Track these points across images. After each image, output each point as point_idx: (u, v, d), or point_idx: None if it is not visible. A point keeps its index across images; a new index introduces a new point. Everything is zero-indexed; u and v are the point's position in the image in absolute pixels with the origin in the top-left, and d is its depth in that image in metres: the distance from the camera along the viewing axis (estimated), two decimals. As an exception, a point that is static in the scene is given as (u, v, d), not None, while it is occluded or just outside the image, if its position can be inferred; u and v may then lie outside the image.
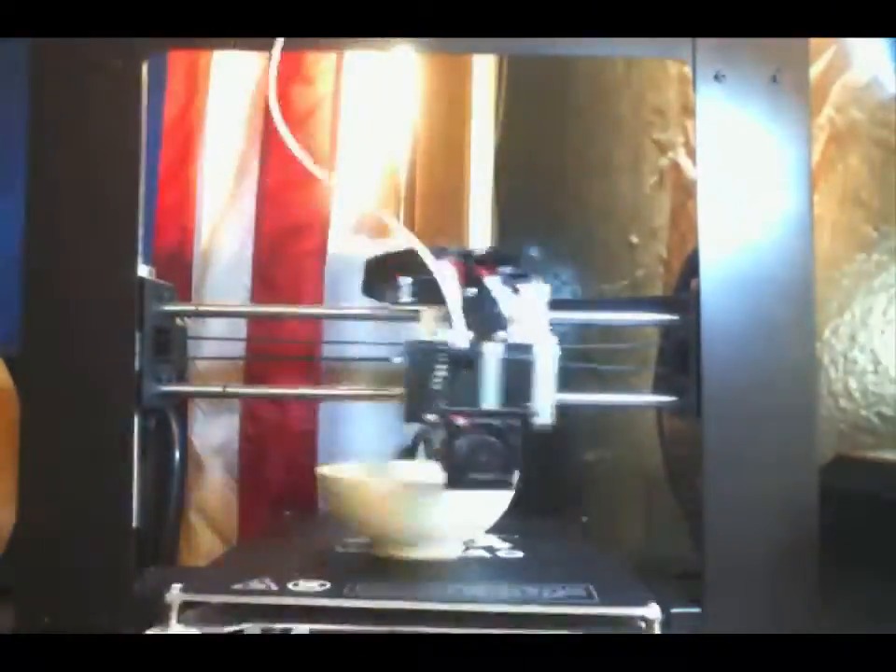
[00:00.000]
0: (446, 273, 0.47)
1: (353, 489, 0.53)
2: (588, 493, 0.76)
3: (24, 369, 0.51)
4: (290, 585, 0.45)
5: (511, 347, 0.47)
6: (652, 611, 0.43)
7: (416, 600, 0.44)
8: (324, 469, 0.56)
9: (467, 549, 0.55)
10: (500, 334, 0.47)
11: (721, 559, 0.49)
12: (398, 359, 0.48)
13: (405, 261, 0.49)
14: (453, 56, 0.76)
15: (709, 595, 0.49)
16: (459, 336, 0.47)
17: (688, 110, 0.70)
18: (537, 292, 0.49)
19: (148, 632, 0.43)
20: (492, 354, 0.47)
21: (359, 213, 0.77)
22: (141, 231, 0.52)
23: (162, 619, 0.43)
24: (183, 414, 0.74)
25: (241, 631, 0.43)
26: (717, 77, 0.51)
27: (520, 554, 0.55)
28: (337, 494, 0.54)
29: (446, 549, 0.54)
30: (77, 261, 0.50)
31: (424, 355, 0.47)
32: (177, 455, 0.64)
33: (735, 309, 0.50)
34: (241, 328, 0.73)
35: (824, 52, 0.67)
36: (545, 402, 0.47)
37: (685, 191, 0.71)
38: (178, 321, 0.61)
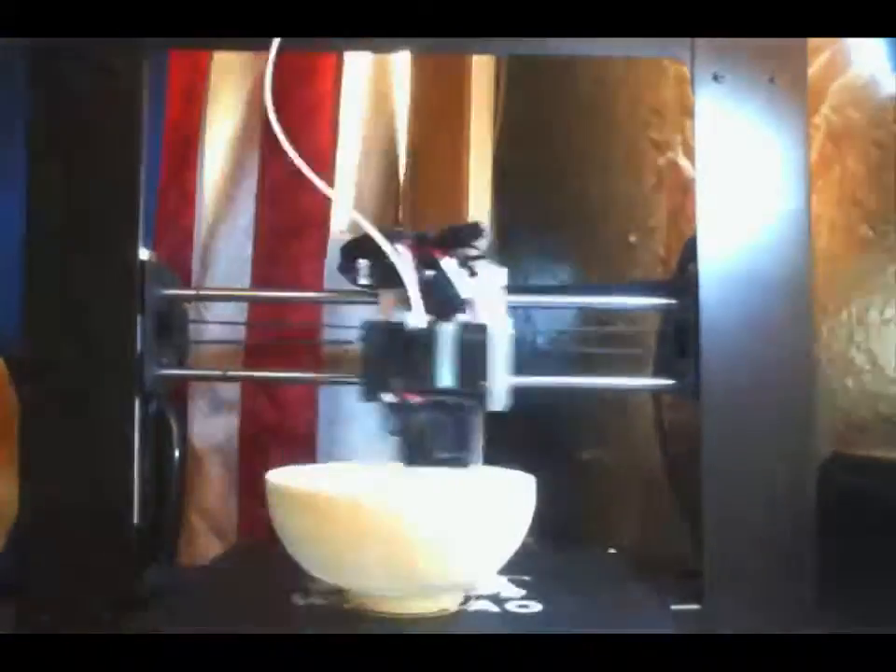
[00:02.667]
0: (402, 256, 0.47)
1: (305, 506, 0.41)
2: (586, 491, 0.76)
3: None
4: None
5: (466, 327, 0.47)
6: None
7: None
8: (274, 477, 0.44)
9: (467, 600, 0.45)
10: (458, 315, 0.47)
11: (720, 556, 0.49)
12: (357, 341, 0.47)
13: (368, 244, 0.49)
14: (452, 56, 0.76)
15: (709, 593, 0.49)
16: (416, 317, 0.47)
17: (686, 110, 0.70)
18: (494, 274, 0.49)
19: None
20: (447, 334, 0.46)
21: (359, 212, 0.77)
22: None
23: None
24: (183, 414, 0.74)
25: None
26: (715, 78, 0.51)
27: (537, 607, 0.45)
28: (284, 514, 0.42)
29: (441, 600, 0.43)
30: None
31: (380, 335, 0.47)
32: (177, 453, 0.64)
33: (733, 308, 0.51)
34: (241, 319, 0.73)
35: (822, 53, 0.67)
36: (500, 383, 0.47)
37: (683, 191, 0.71)
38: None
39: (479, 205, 0.76)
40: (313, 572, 0.44)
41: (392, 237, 0.48)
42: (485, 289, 0.48)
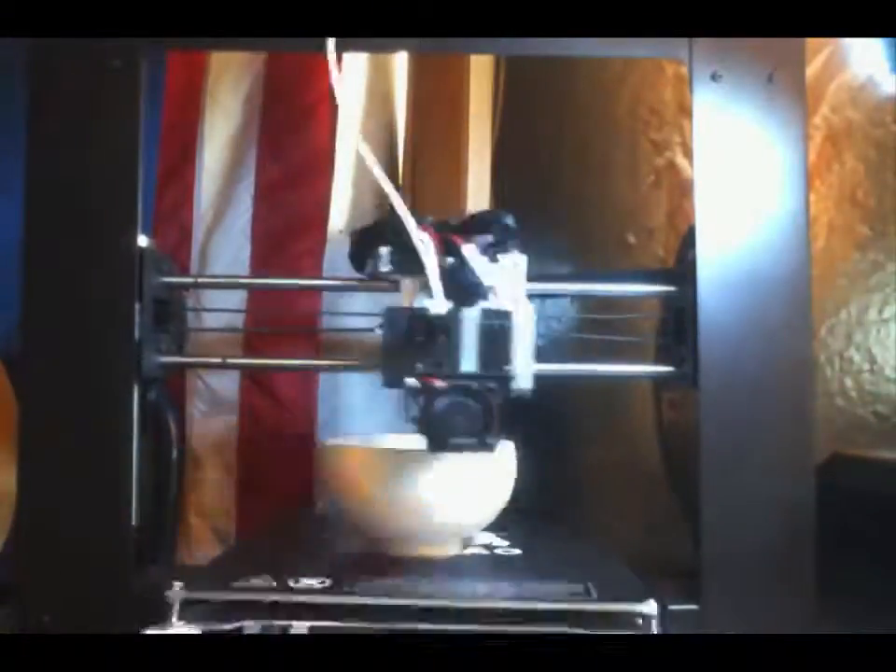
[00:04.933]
0: (425, 242, 0.47)
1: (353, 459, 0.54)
2: (586, 490, 0.76)
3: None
4: (291, 582, 0.46)
5: (490, 313, 0.47)
6: (650, 608, 0.43)
7: (416, 597, 0.45)
8: (328, 441, 0.57)
9: (465, 547, 0.55)
10: (480, 302, 0.47)
11: (719, 555, 0.49)
12: (378, 329, 0.48)
13: (386, 231, 0.49)
14: (451, 55, 0.76)
15: (707, 592, 0.49)
16: (438, 303, 0.47)
17: (684, 110, 0.70)
18: (514, 261, 0.49)
19: (149, 631, 0.43)
20: (471, 319, 0.47)
21: (358, 212, 0.77)
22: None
23: (163, 617, 0.44)
24: (181, 414, 0.74)
25: (241, 629, 0.43)
26: (713, 77, 0.51)
27: (518, 552, 0.55)
28: (337, 467, 0.54)
29: (445, 546, 0.54)
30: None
31: (402, 320, 0.47)
32: (175, 452, 0.64)
33: (732, 306, 0.51)
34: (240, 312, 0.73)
35: (820, 52, 0.67)
36: (524, 368, 0.48)
37: (682, 191, 0.71)
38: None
39: (478, 204, 0.76)
40: (358, 525, 0.55)
41: (415, 223, 0.48)
42: (506, 276, 0.49)
